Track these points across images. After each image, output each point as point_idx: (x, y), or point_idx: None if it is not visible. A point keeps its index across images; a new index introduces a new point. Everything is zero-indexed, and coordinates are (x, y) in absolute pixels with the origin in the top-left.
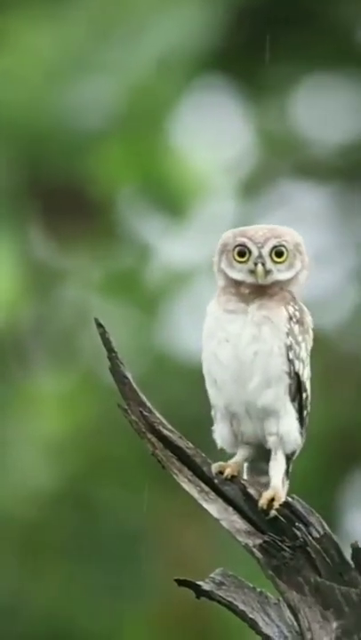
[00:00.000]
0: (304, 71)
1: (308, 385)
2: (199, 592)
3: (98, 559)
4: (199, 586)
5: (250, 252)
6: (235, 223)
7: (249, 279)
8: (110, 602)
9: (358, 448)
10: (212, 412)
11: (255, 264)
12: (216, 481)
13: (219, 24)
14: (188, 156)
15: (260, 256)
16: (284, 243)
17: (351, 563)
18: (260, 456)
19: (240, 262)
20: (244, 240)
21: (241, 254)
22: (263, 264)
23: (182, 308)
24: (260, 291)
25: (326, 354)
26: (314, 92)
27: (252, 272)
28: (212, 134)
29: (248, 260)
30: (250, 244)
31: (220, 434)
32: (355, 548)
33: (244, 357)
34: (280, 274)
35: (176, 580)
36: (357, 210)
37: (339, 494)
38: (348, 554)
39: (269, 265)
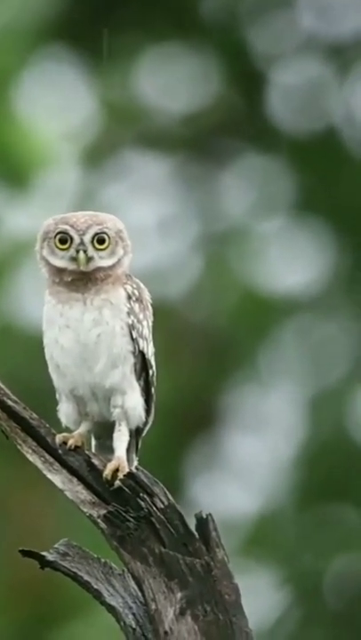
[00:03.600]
0: (147, 41)
1: (152, 361)
2: (43, 563)
3: None
4: (43, 556)
5: (71, 240)
6: (78, 192)
7: (71, 266)
8: None
9: (202, 418)
10: (57, 395)
11: (77, 251)
12: (60, 451)
13: None
14: (31, 125)
15: (82, 243)
16: (105, 230)
17: (196, 533)
18: (108, 434)
19: (62, 249)
20: (66, 227)
21: (63, 241)
22: (85, 251)
23: (26, 277)
24: (83, 278)
25: (171, 323)
26: (157, 62)
27: (74, 259)
28: (55, 103)
29: (70, 247)
30: (71, 232)
31: (65, 413)
32: (199, 519)
33: (87, 341)
34: (102, 260)
35: (20, 551)
36: (201, 179)
37: (183, 464)
38: (192, 524)
39: (91, 252)
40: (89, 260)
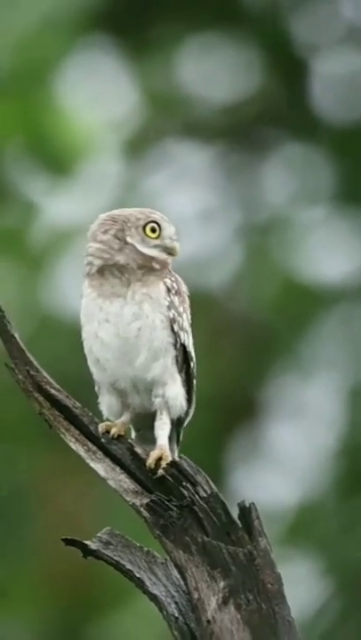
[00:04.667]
0: (189, 30)
1: (193, 353)
2: (86, 551)
3: None
4: (86, 545)
5: (160, 229)
6: (120, 182)
7: (161, 256)
8: None
9: (243, 409)
10: (96, 388)
11: (172, 240)
12: (103, 440)
13: None
14: (73, 114)
15: (174, 233)
16: None
17: (238, 522)
18: (149, 426)
19: (152, 238)
20: (157, 217)
21: (153, 230)
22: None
23: (67, 266)
24: (127, 271)
25: (212, 313)
26: (199, 52)
27: (166, 249)
28: (97, 93)
29: (159, 236)
30: (163, 222)
31: (107, 405)
32: (242, 508)
33: (127, 335)
34: None
35: (63, 540)
36: (242, 168)
37: (224, 455)
38: (235, 513)
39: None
40: None
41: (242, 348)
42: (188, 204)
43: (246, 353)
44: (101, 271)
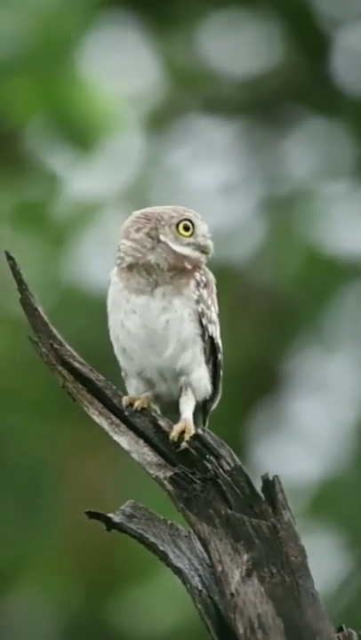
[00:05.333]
0: (212, 5)
1: (220, 345)
2: (110, 524)
3: (6, 491)
4: (110, 518)
5: (194, 227)
6: (142, 156)
7: (194, 254)
8: (20, 531)
9: (265, 382)
10: (123, 374)
11: (206, 238)
12: (126, 413)
13: None
14: (95, 88)
15: (207, 232)
16: None
17: (262, 495)
18: (174, 409)
19: (185, 237)
20: (190, 215)
21: (186, 229)
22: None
23: (90, 240)
24: (156, 269)
25: (234, 287)
26: (222, 26)
27: (199, 247)
28: (119, 67)
29: (192, 234)
30: (196, 220)
31: (135, 388)
32: (265, 481)
33: (155, 327)
34: None
35: (87, 513)
36: (264, 143)
37: (246, 429)
38: (258, 486)
39: None
40: None
41: (264, 321)
42: (210, 179)
43: (269, 326)
44: (131, 268)
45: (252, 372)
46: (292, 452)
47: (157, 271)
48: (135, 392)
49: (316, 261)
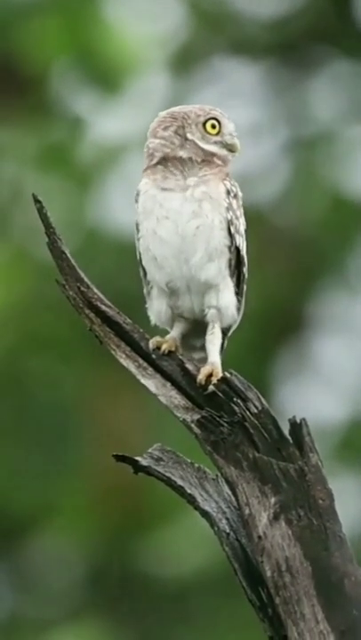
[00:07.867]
0: None
1: (246, 259)
2: (137, 467)
3: (32, 434)
4: (137, 461)
5: (221, 126)
6: (168, 98)
7: (221, 152)
8: (45, 475)
9: (290, 325)
10: (145, 291)
11: (233, 136)
12: (154, 356)
13: None
14: (121, 30)
15: (234, 130)
16: None
17: (289, 438)
18: (194, 332)
19: (212, 135)
20: (217, 114)
21: (213, 127)
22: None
23: (115, 182)
24: (187, 164)
25: (259, 229)
26: None
27: (226, 145)
28: (145, 9)
29: (219, 132)
30: (223, 119)
31: (157, 310)
32: (292, 424)
33: (185, 233)
34: None
35: (114, 456)
36: (290, 85)
37: (271, 371)
38: (285, 429)
39: None
40: None
41: (289, 263)
42: (235, 121)
43: (294, 268)
44: (161, 163)
45: (277, 315)
46: (318, 394)
47: (188, 164)
48: (156, 317)
49: (341, 203)
